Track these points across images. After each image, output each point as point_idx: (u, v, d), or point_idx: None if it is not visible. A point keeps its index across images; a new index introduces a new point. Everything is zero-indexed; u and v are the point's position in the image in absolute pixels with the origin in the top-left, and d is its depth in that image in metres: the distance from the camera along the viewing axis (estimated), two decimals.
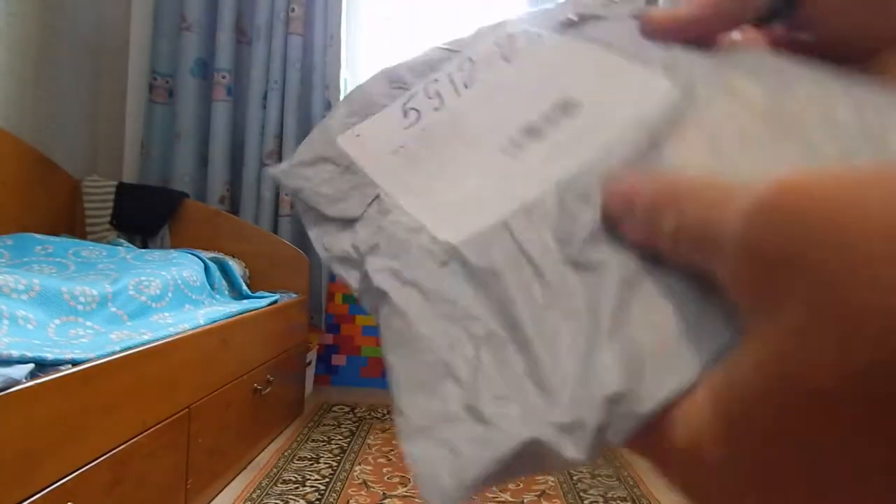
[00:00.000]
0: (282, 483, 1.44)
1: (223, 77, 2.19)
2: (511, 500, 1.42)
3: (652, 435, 0.17)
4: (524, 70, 0.30)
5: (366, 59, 2.49)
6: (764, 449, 0.15)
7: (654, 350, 0.18)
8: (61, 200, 1.97)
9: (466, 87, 0.30)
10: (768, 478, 0.16)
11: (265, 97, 2.20)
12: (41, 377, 0.82)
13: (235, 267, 1.81)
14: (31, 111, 1.89)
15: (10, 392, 0.75)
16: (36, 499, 0.79)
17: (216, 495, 1.37)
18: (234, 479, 1.46)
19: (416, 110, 0.30)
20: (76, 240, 1.63)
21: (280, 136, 2.21)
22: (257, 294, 1.79)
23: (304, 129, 2.25)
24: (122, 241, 1.82)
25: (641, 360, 0.18)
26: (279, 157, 2.22)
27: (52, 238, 1.51)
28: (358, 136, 0.31)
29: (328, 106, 2.21)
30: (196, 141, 2.22)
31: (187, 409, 1.20)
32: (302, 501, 1.35)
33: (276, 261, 2.01)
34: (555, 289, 0.20)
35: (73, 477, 0.86)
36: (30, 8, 1.84)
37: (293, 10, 2.18)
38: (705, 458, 0.16)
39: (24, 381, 0.79)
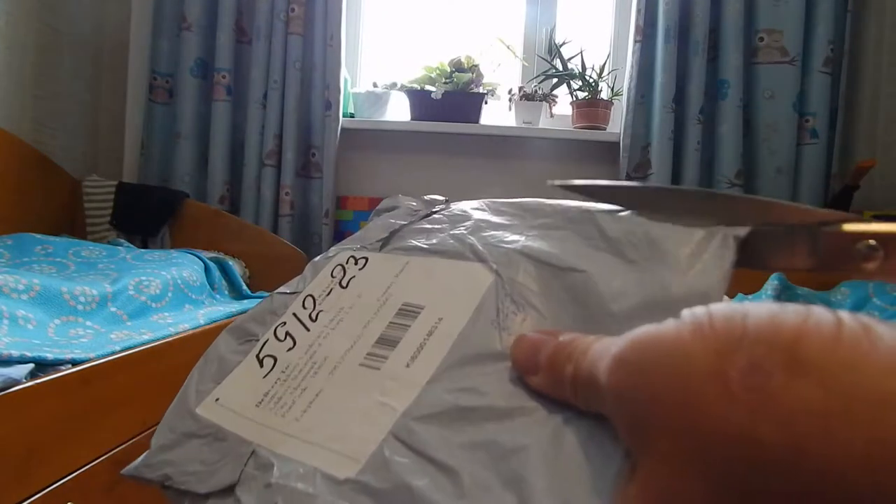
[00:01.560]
0: None
1: (223, 77, 2.19)
2: None
3: None
4: (360, 291, 0.32)
5: (366, 59, 2.49)
6: None
7: (576, 499, 0.20)
8: (61, 200, 1.97)
9: (313, 320, 0.32)
10: None
11: (265, 97, 2.20)
12: (41, 377, 0.82)
13: (235, 267, 1.81)
14: (31, 111, 1.89)
15: (10, 392, 0.75)
16: (36, 499, 0.79)
17: None
18: None
19: (272, 356, 0.31)
20: (76, 240, 1.63)
21: (280, 136, 2.21)
22: (257, 294, 1.79)
23: (305, 129, 2.25)
24: (122, 241, 1.81)
25: None
26: (279, 157, 2.22)
27: (52, 238, 1.51)
28: (217, 399, 0.30)
29: (328, 106, 2.21)
30: (196, 141, 2.22)
31: None
32: None
33: (276, 261, 2.00)
34: (465, 477, 0.21)
35: (73, 477, 0.86)
36: (30, 8, 1.84)
37: (293, 10, 2.18)
38: None
39: (24, 381, 0.79)
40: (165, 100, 2.25)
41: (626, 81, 2.21)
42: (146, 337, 1.09)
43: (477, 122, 2.29)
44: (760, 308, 0.18)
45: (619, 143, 2.23)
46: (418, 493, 0.21)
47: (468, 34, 2.43)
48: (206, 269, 1.62)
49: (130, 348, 1.02)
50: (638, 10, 2.17)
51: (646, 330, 0.19)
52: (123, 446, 0.98)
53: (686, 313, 0.19)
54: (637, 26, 2.17)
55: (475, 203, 0.35)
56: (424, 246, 0.32)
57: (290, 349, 0.31)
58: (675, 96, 2.15)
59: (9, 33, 1.76)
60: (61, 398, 0.84)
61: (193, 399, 0.31)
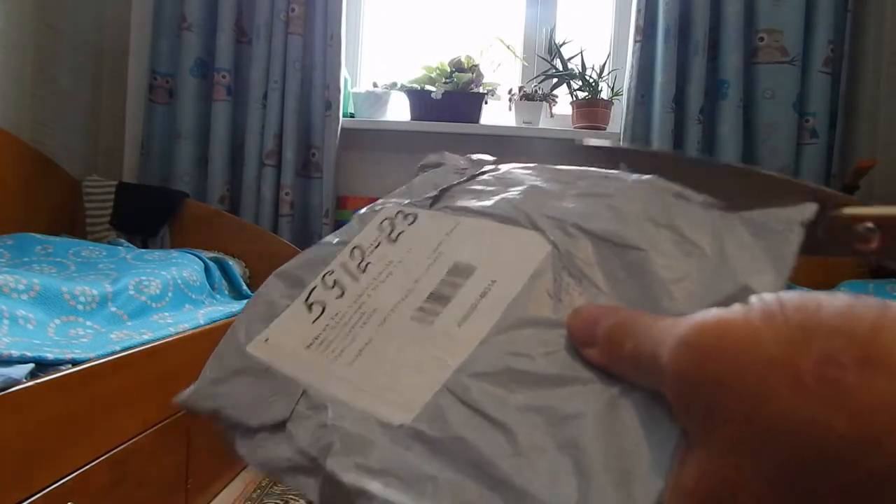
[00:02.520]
0: (282, 483, 1.44)
1: (223, 77, 2.19)
2: None
3: None
4: (410, 246, 0.32)
5: (366, 59, 2.49)
6: None
7: (635, 472, 0.20)
8: (61, 200, 1.97)
9: (362, 271, 0.32)
10: None
11: (265, 97, 2.20)
12: (41, 377, 0.82)
13: (235, 267, 1.81)
14: (30, 111, 1.89)
15: (10, 392, 0.75)
16: (36, 499, 0.79)
17: (216, 495, 1.37)
18: (234, 479, 1.46)
19: (320, 303, 0.31)
20: (76, 240, 1.63)
21: (280, 136, 2.21)
22: None
23: (304, 128, 2.25)
24: (122, 240, 1.81)
25: (629, 483, 0.20)
26: (279, 156, 2.22)
27: (52, 238, 1.51)
28: (267, 340, 0.31)
29: (328, 106, 2.21)
30: (196, 141, 2.22)
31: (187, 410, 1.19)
32: (302, 501, 1.35)
33: (276, 261, 1.98)
34: (521, 437, 0.21)
35: (73, 477, 0.86)
36: (30, 8, 1.84)
37: (293, 10, 2.18)
38: None
39: (24, 381, 0.79)
40: (165, 100, 2.25)
41: (626, 81, 2.21)
42: (146, 337, 1.09)
43: (477, 122, 2.29)
44: (835, 299, 0.18)
45: (619, 143, 2.23)
46: (473, 446, 0.22)
47: (468, 34, 2.43)
48: (206, 269, 1.62)
49: (130, 348, 1.02)
50: (638, 10, 2.17)
51: (714, 314, 0.19)
52: (123, 446, 0.98)
53: (755, 300, 0.19)
54: (637, 26, 2.17)
55: (526, 167, 0.35)
56: (476, 207, 0.32)
57: (338, 297, 0.31)
58: (675, 96, 2.15)
59: (9, 33, 1.76)
60: (61, 398, 0.84)
61: (243, 337, 0.32)
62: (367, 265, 0.32)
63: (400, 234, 0.33)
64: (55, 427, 0.83)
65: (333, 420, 0.25)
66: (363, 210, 0.37)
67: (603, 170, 0.31)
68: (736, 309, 0.19)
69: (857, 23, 2.18)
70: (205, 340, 1.28)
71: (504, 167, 0.35)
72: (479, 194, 0.33)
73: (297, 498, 1.35)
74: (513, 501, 0.20)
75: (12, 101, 1.80)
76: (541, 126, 2.31)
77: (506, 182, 0.33)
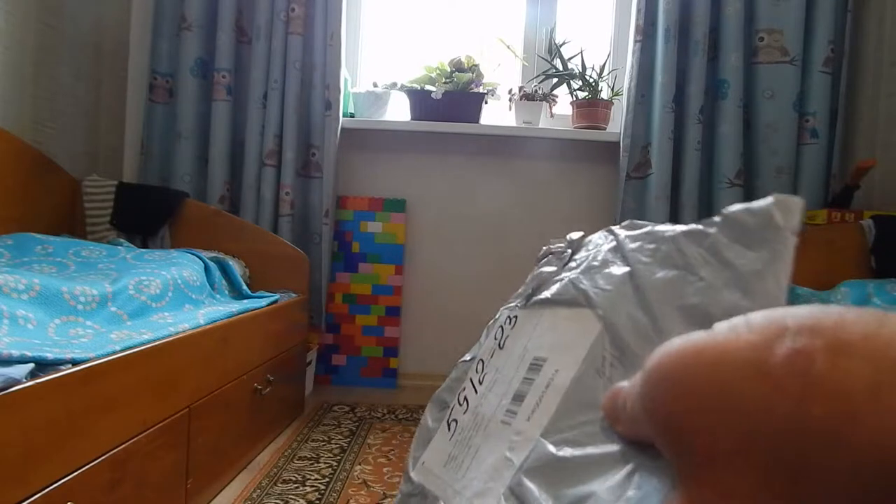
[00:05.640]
0: (282, 483, 1.44)
1: (223, 77, 2.19)
2: None
3: None
4: (510, 350, 0.36)
5: (366, 59, 2.49)
6: None
7: None
8: (61, 200, 1.97)
9: (481, 383, 0.36)
10: None
11: (265, 97, 2.20)
12: (41, 377, 0.82)
13: (235, 267, 1.81)
14: (30, 111, 1.89)
15: (10, 392, 0.75)
16: (36, 499, 0.79)
17: (216, 495, 1.37)
18: (234, 479, 1.46)
19: (455, 420, 0.36)
20: (76, 240, 1.63)
21: (280, 136, 2.21)
22: (257, 294, 1.79)
23: (305, 128, 2.25)
24: (122, 240, 1.81)
25: None
26: (279, 157, 2.22)
27: (52, 238, 1.51)
28: (423, 463, 0.37)
29: (328, 106, 2.21)
30: (196, 141, 2.22)
31: (187, 409, 1.19)
32: (302, 501, 1.35)
33: (276, 261, 2.01)
34: None
35: (73, 477, 0.86)
36: (29, 7, 1.84)
37: (293, 9, 2.18)
38: None
39: (24, 381, 0.79)
40: (165, 100, 2.25)
41: (626, 81, 2.21)
42: (146, 337, 1.09)
43: (477, 122, 2.29)
44: (799, 308, 0.18)
45: (619, 143, 2.23)
46: None
47: (468, 34, 2.43)
48: (206, 269, 1.62)
49: (130, 348, 1.02)
50: (638, 10, 2.17)
51: (675, 342, 0.19)
52: (123, 446, 0.98)
53: (720, 324, 0.19)
54: (637, 26, 2.17)
55: (604, 235, 0.36)
56: (551, 297, 0.35)
57: (464, 412, 0.36)
58: (675, 96, 2.15)
59: (9, 33, 1.76)
60: (61, 398, 0.84)
61: (410, 464, 0.38)
62: (484, 376, 0.36)
63: (506, 339, 0.37)
64: (55, 427, 0.83)
65: None
66: (490, 322, 0.41)
67: (662, 227, 0.32)
68: (698, 333, 0.19)
69: (857, 23, 2.18)
70: (205, 340, 1.28)
71: (588, 240, 0.38)
72: (559, 280, 0.36)
73: (297, 498, 1.35)
74: None
75: (12, 101, 1.80)
76: (541, 126, 2.31)
77: (580, 259, 0.36)
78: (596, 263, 0.33)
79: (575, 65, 2.30)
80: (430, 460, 0.36)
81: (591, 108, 2.28)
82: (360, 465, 1.57)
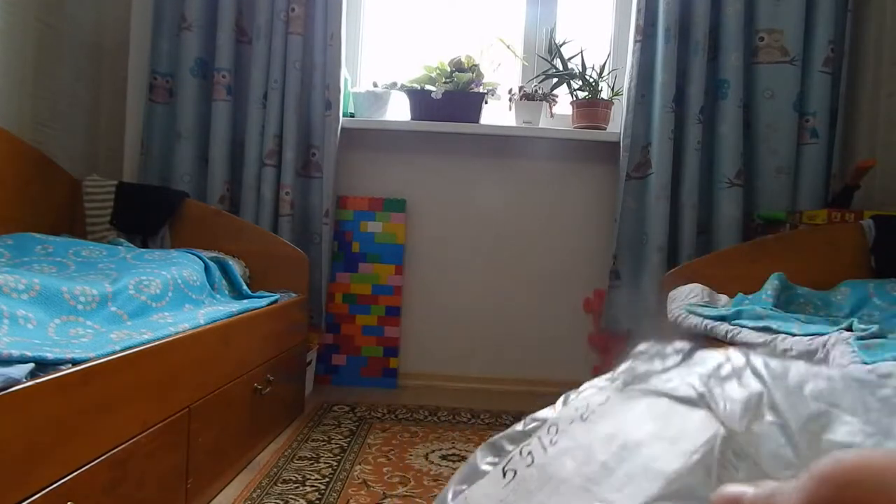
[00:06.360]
0: (282, 483, 1.44)
1: (223, 77, 2.19)
2: None
3: None
4: (596, 424, 0.37)
5: (366, 59, 2.49)
6: None
7: None
8: (61, 200, 1.97)
9: (553, 444, 0.38)
10: None
11: (265, 97, 2.20)
12: (41, 377, 0.82)
13: (235, 266, 1.81)
14: (30, 111, 1.89)
15: (10, 392, 0.75)
16: (36, 499, 0.79)
17: (216, 495, 1.37)
18: (234, 479, 1.46)
19: (513, 470, 0.38)
20: (76, 239, 1.63)
21: (280, 136, 2.21)
22: (257, 294, 1.79)
23: (305, 128, 2.25)
24: (122, 240, 1.81)
25: None
26: (279, 157, 2.22)
27: (52, 238, 1.50)
28: (466, 498, 0.38)
29: (328, 106, 2.21)
30: (196, 141, 2.22)
31: (187, 409, 1.19)
32: (302, 501, 1.35)
33: (276, 261, 2.01)
34: None
35: (73, 477, 0.86)
36: (30, 8, 1.84)
37: (293, 9, 2.18)
38: None
39: (24, 381, 0.79)
40: (165, 100, 2.25)
41: (626, 81, 2.21)
42: (146, 337, 1.09)
43: (477, 121, 2.29)
44: None
45: (619, 143, 2.23)
46: None
47: (468, 34, 2.43)
48: (207, 269, 1.62)
49: (130, 348, 1.02)
50: (638, 10, 2.17)
51: (851, 453, 0.20)
52: (123, 446, 0.98)
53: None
54: (637, 26, 2.17)
55: (719, 355, 0.38)
56: (659, 388, 0.36)
57: (528, 465, 0.37)
58: (675, 96, 2.15)
59: (9, 33, 1.76)
60: (61, 398, 0.84)
61: (450, 495, 0.39)
62: (558, 440, 0.38)
63: (591, 413, 0.38)
64: (55, 427, 0.83)
65: None
66: (570, 392, 0.43)
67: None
68: (872, 450, 0.20)
69: (857, 23, 2.18)
70: (205, 340, 1.28)
71: (699, 354, 0.39)
72: (667, 375, 0.37)
73: (296, 498, 1.35)
74: None
75: (12, 101, 1.80)
76: (541, 126, 2.31)
77: (692, 364, 0.37)
78: (724, 373, 0.35)
79: (575, 65, 2.30)
80: (474, 498, 0.38)
81: (591, 108, 2.28)
82: (360, 465, 1.57)
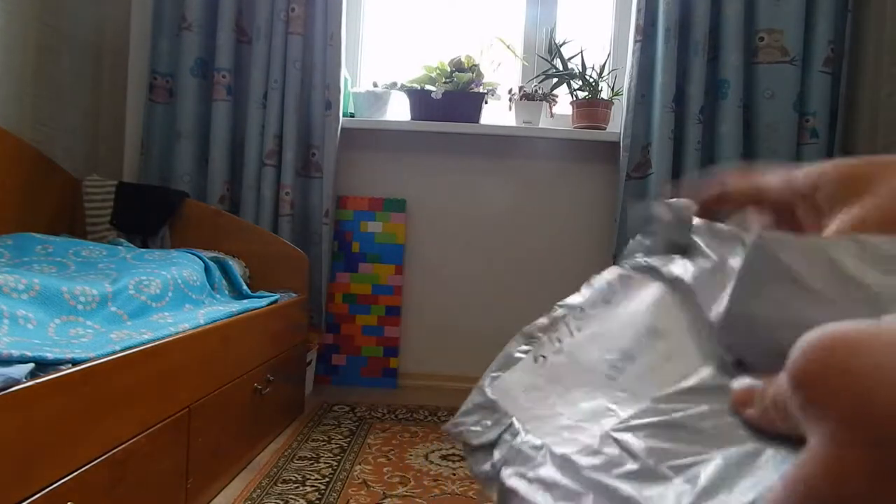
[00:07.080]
0: (282, 483, 1.44)
1: (223, 77, 2.19)
2: None
3: None
4: (621, 310, 0.38)
5: (366, 59, 2.49)
6: None
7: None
8: (61, 200, 1.97)
9: (579, 330, 0.39)
10: None
11: (265, 97, 2.20)
12: (41, 377, 0.82)
13: (235, 266, 1.81)
14: (30, 111, 1.89)
15: (10, 392, 0.75)
16: (36, 498, 0.79)
17: (216, 495, 1.37)
18: (234, 479, 1.46)
19: (543, 356, 0.40)
20: (76, 239, 1.63)
21: (280, 136, 2.21)
22: (257, 294, 1.79)
23: (305, 128, 2.25)
24: (122, 240, 1.81)
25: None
26: (279, 156, 2.22)
27: (52, 238, 1.51)
28: (501, 382, 0.40)
29: (328, 106, 2.21)
30: (196, 141, 2.22)
31: (187, 409, 1.19)
32: (302, 501, 1.35)
33: (276, 261, 2.01)
34: (655, 475, 0.26)
35: (73, 477, 0.86)
36: (30, 7, 1.84)
37: (293, 9, 2.18)
38: None
39: (24, 381, 0.79)
40: (165, 100, 2.25)
41: (626, 81, 2.21)
42: (146, 337, 1.09)
43: (477, 122, 2.29)
44: None
45: (619, 143, 2.23)
46: (610, 476, 0.27)
47: (468, 34, 2.43)
48: (207, 269, 1.62)
49: (130, 348, 1.02)
50: (638, 10, 2.17)
51: (839, 327, 0.20)
52: (123, 446, 0.98)
53: (889, 317, 0.20)
54: (637, 26, 2.17)
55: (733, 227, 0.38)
56: (681, 276, 0.36)
57: (556, 351, 0.38)
58: (675, 96, 2.15)
59: (9, 33, 1.76)
60: (61, 398, 0.84)
61: (487, 381, 0.40)
62: (583, 324, 0.39)
63: (614, 295, 0.39)
64: (55, 427, 0.83)
65: (519, 444, 0.33)
66: (593, 277, 0.43)
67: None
68: (863, 322, 0.20)
69: (857, 23, 2.18)
70: (205, 340, 1.28)
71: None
72: (693, 264, 0.37)
73: (296, 498, 1.35)
74: None
75: (12, 100, 1.80)
76: (541, 126, 2.31)
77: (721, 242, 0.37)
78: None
79: (575, 65, 2.30)
80: (509, 382, 0.39)
81: (591, 107, 2.28)
82: (360, 465, 1.57)
